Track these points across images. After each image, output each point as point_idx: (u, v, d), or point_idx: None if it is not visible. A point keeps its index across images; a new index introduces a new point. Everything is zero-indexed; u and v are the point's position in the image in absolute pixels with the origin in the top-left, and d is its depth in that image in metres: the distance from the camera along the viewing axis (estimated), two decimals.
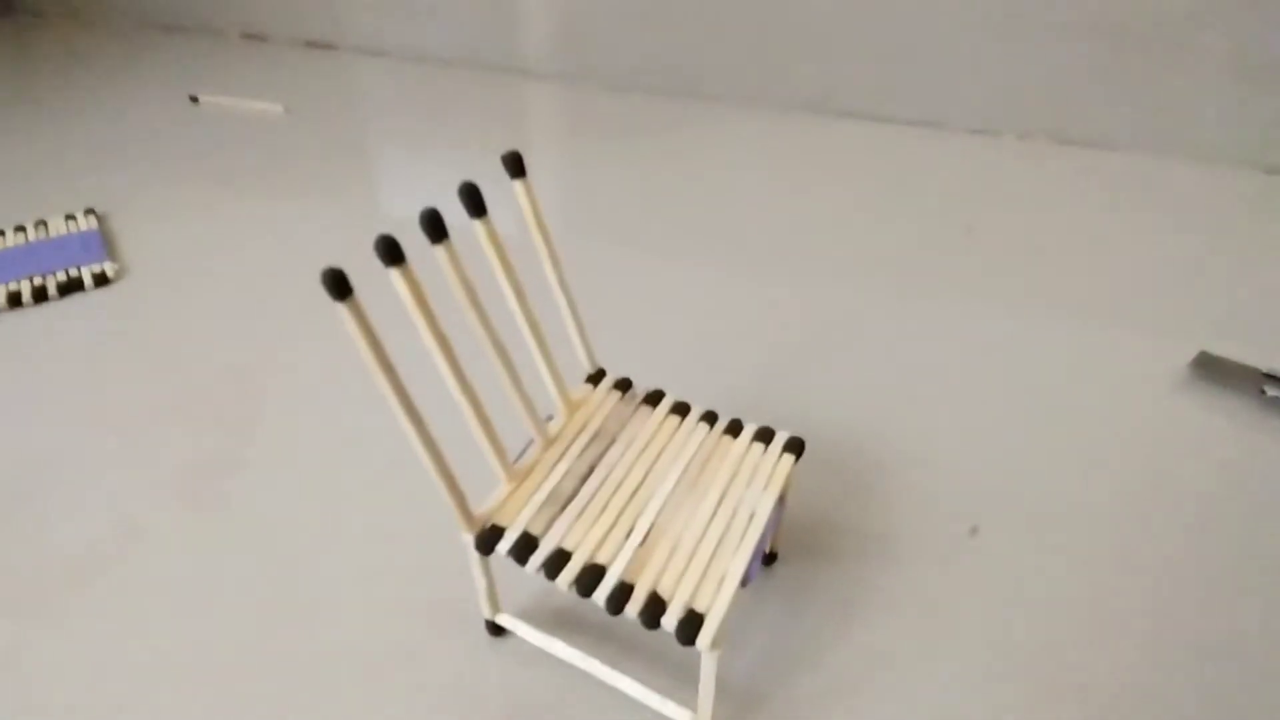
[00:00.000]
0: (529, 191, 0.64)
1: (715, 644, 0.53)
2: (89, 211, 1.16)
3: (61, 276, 1.03)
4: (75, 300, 1.03)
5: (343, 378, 0.94)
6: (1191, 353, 0.99)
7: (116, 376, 0.94)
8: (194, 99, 1.51)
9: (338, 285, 0.47)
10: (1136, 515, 0.80)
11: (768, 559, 0.75)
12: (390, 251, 0.51)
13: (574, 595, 0.72)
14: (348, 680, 0.66)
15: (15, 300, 0.99)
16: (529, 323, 0.64)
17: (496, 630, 0.69)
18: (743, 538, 0.58)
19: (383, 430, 0.87)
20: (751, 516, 0.60)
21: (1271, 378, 0.95)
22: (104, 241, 1.11)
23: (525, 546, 0.57)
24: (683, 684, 0.65)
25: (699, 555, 0.57)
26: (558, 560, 0.57)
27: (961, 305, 1.08)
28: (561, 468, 0.63)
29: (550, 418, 0.68)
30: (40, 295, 1.01)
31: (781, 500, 0.65)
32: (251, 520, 0.79)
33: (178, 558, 0.75)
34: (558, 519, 0.60)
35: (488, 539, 0.58)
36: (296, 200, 1.25)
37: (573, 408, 0.69)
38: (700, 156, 1.42)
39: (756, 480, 0.63)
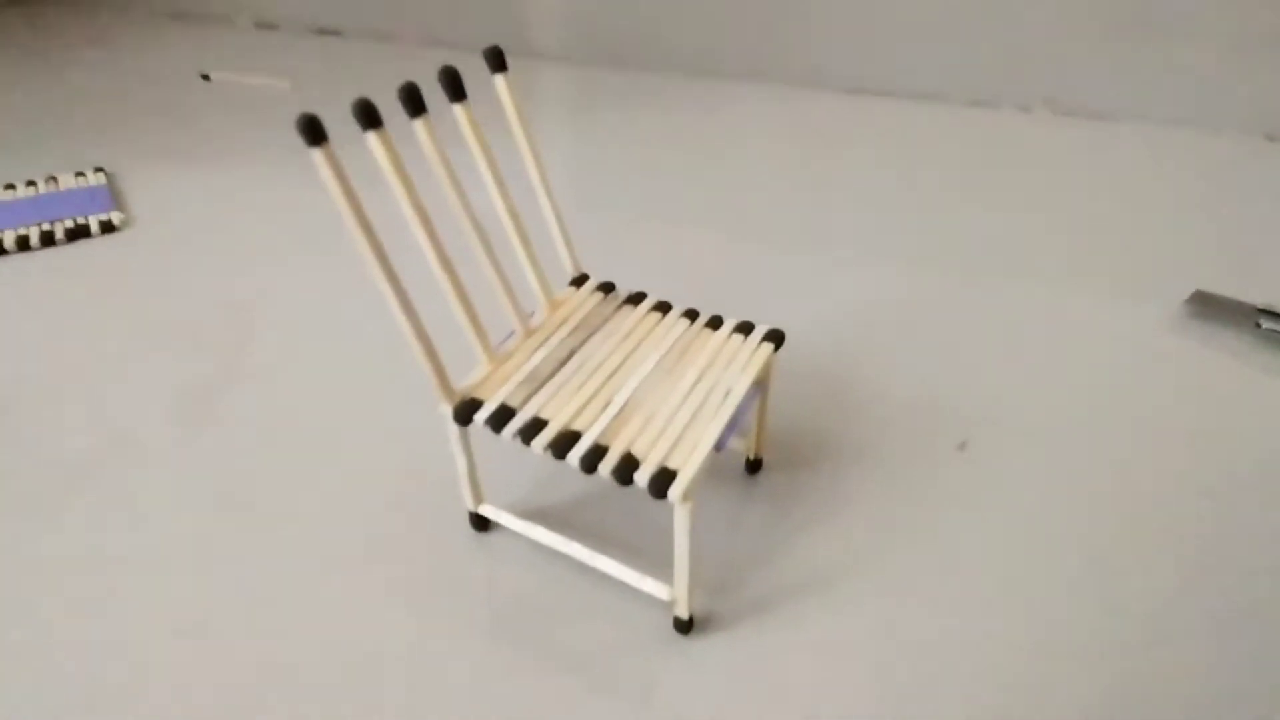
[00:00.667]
0: (509, 91, 0.65)
1: (686, 497, 0.53)
2: (98, 169, 1.21)
3: (69, 224, 1.08)
4: (82, 245, 1.07)
5: (333, 310, 0.96)
6: (1188, 292, 0.99)
7: (116, 312, 0.97)
8: (206, 77, 1.56)
9: (311, 130, 0.49)
10: (1134, 439, 0.81)
11: (752, 466, 0.76)
12: (367, 115, 0.53)
13: (554, 486, 0.73)
14: (334, 574, 0.67)
15: (24, 243, 1.03)
16: (510, 215, 0.65)
17: (480, 524, 0.70)
18: (718, 410, 0.59)
19: (370, 344, 0.91)
20: (728, 393, 0.60)
21: (1266, 312, 0.96)
22: (112, 195, 1.15)
23: (502, 416, 0.58)
24: (659, 567, 0.65)
25: (674, 423, 0.58)
26: (534, 427, 0.57)
27: (963, 258, 1.09)
28: (541, 353, 0.64)
29: (532, 314, 0.70)
30: (48, 239, 1.05)
31: (761, 386, 0.66)
32: (242, 431, 0.80)
33: (169, 465, 0.77)
34: (536, 394, 0.61)
35: (466, 409, 0.59)
36: (297, 165, 1.28)
37: (555, 305, 0.70)
38: (707, 130, 1.45)
39: (735, 365, 0.63)
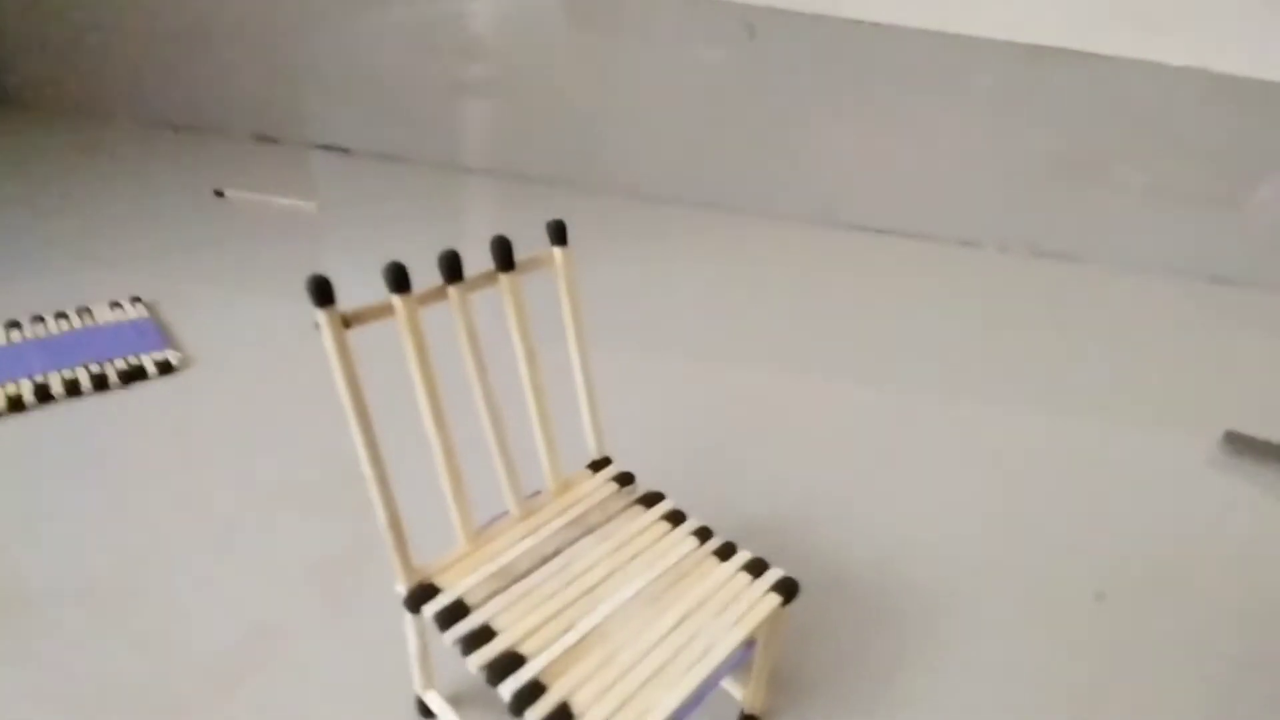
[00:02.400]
0: (568, 260, 0.64)
1: None
2: (135, 300, 1.13)
3: (121, 365, 0.98)
4: (140, 390, 0.98)
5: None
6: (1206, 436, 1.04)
7: (206, 471, 0.88)
8: (219, 193, 1.53)
9: (320, 291, 0.48)
10: (1183, 574, 0.82)
11: None
12: (397, 279, 0.52)
13: None
14: None
15: (73, 388, 0.94)
16: (535, 389, 0.62)
17: (425, 712, 0.63)
18: (687, 672, 0.50)
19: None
20: (707, 651, 0.52)
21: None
22: (160, 330, 1.07)
23: (453, 614, 0.53)
24: None
25: (631, 676, 0.50)
26: (480, 637, 0.51)
27: (972, 404, 1.08)
28: (525, 544, 0.59)
29: (538, 493, 0.65)
30: (100, 383, 0.96)
31: (754, 645, 0.57)
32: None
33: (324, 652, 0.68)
34: (499, 595, 0.55)
35: (418, 596, 0.54)
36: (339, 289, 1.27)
37: (564, 487, 0.65)
38: (711, 259, 1.51)
39: (727, 614, 0.55)
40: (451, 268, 0.55)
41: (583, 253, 1.65)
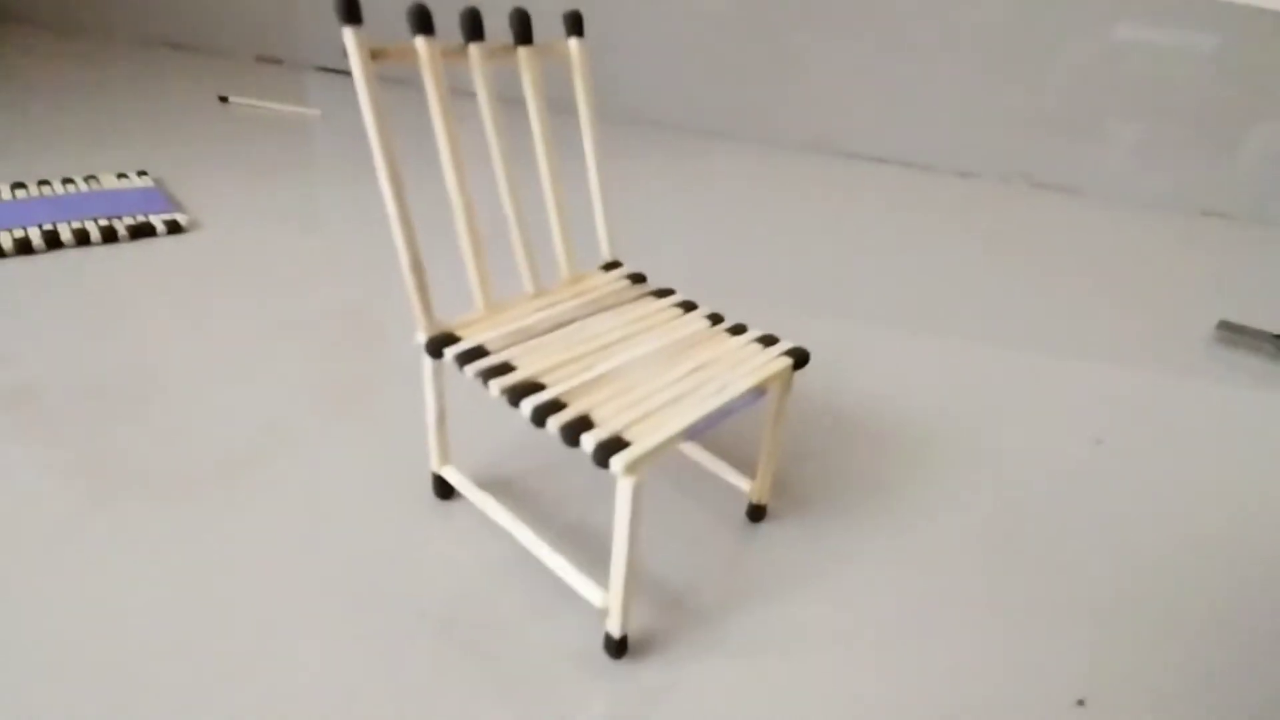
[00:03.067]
0: (583, 50, 0.65)
1: (633, 470, 0.46)
2: (141, 173, 1.15)
3: (130, 221, 1.00)
4: (148, 244, 1.01)
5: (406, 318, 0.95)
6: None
7: (217, 305, 0.90)
8: (223, 99, 1.55)
9: (349, 9, 0.49)
10: (1165, 445, 0.83)
11: (755, 513, 0.67)
12: (421, 21, 0.53)
13: (523, 460, 0.68)
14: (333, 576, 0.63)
15: (83, 238, 0.97)
16: (552, 176, 0.63)
17: (444, 490, 0.64)
18: (703, 401, 0.52)
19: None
20: (722, 388, 0.53)
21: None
22: (167, 197, 1.09)
23: (472, 355, 0.54)
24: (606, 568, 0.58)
25: (648, 401, 0.51)
26: (498, 370, 0.52)
27: (975, 314, 1.02)
28: (542, 314, 0.60)
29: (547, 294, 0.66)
30: (110, 235, 0.98)
31: (765, 395, 0.58)
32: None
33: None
34: (517, 345, 0.56)
35: (439, 342, 0.55)
36: (340, 186, 1.27)
37: (575, 280, 0.66)
38: (715, 185, 1.50)
39: (742, 367, 0.56)
40: (473, 26, 0.56)
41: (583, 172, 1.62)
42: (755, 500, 0.66)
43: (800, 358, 0.59)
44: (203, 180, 1.19)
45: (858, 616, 0.59)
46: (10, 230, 0.94)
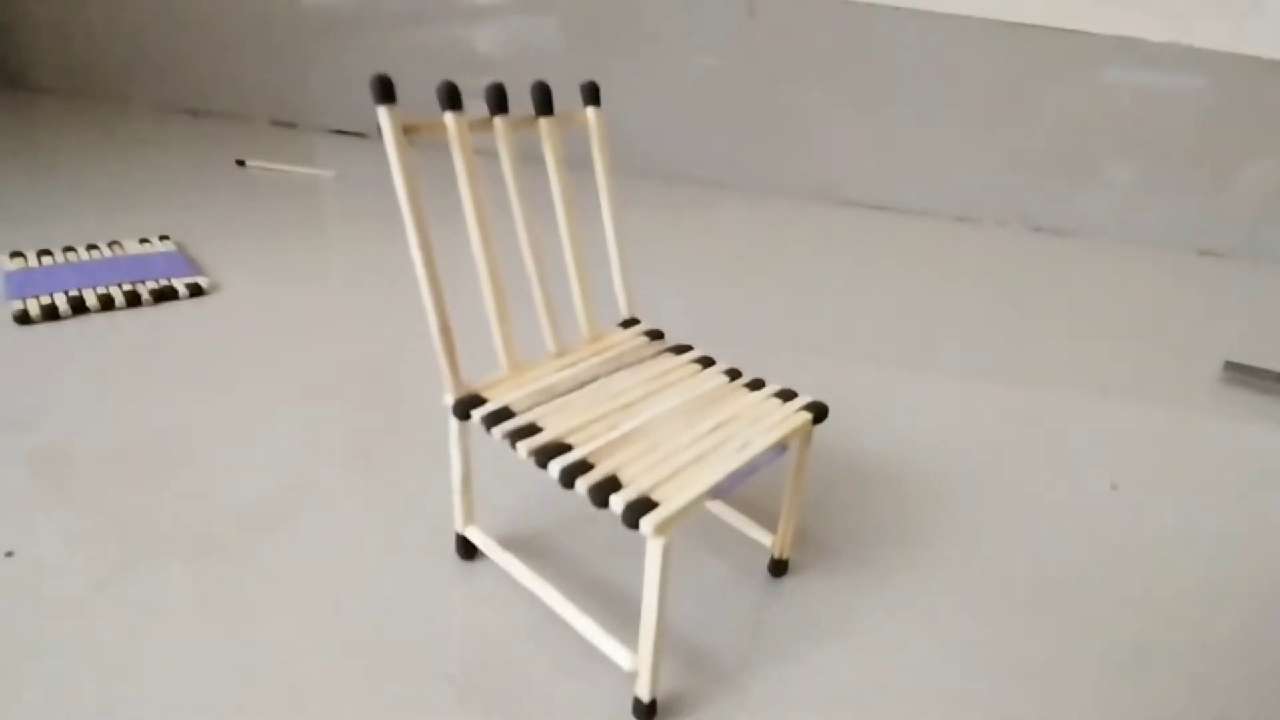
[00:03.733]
0: (599, 119, 0.67)
1: (661, 530, 0.46)
2: (163, 237, 1.18)
3: (153, 285, 1.03)
4: (171, 307, 1.02)
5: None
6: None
7: (239, 366, 0.92)
8: (241, 163, 1.58)
9: (383, 89, 0.51)
10: (1181, 487, 0.84)
11: (777, 568, 0.67)
12: (450, 97, 0.55)
13: (545, 517, 0.68)
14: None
15: (107, 303, 0.99)
16: (572, 237, 0.65)
17: (467, 551, 0.65)
18: (728, 459, 0.52)
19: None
20: (745, 445, 0.54)
21: None
22: (188, 261, 1.12)
23: (500, 416, 0.55)
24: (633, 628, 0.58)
25: (673, 459, 0.52)
26: (525, 432, 0.54)
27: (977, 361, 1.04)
28: (565, 373, 0.61)
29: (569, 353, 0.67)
30: (134, 300, 1.00)
31: (786, 451, 0.59)
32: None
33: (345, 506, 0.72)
34: (542, 405, 0.57)
35: (467, 403, 0.56)
36: (356, 245, 1.30)
37: (595, 338, 0.68)
38: (719, 235, 1.54)
39: (763, 423, 0.57)
40: (499, 100, 0.59)
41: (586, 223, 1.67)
42: (777, 555, 0.66)
43: (819, 412, 0.60)
44: (222, 243, 1.22)
45: (883, 670, 0.58)
46: (38, 297, 0.96)
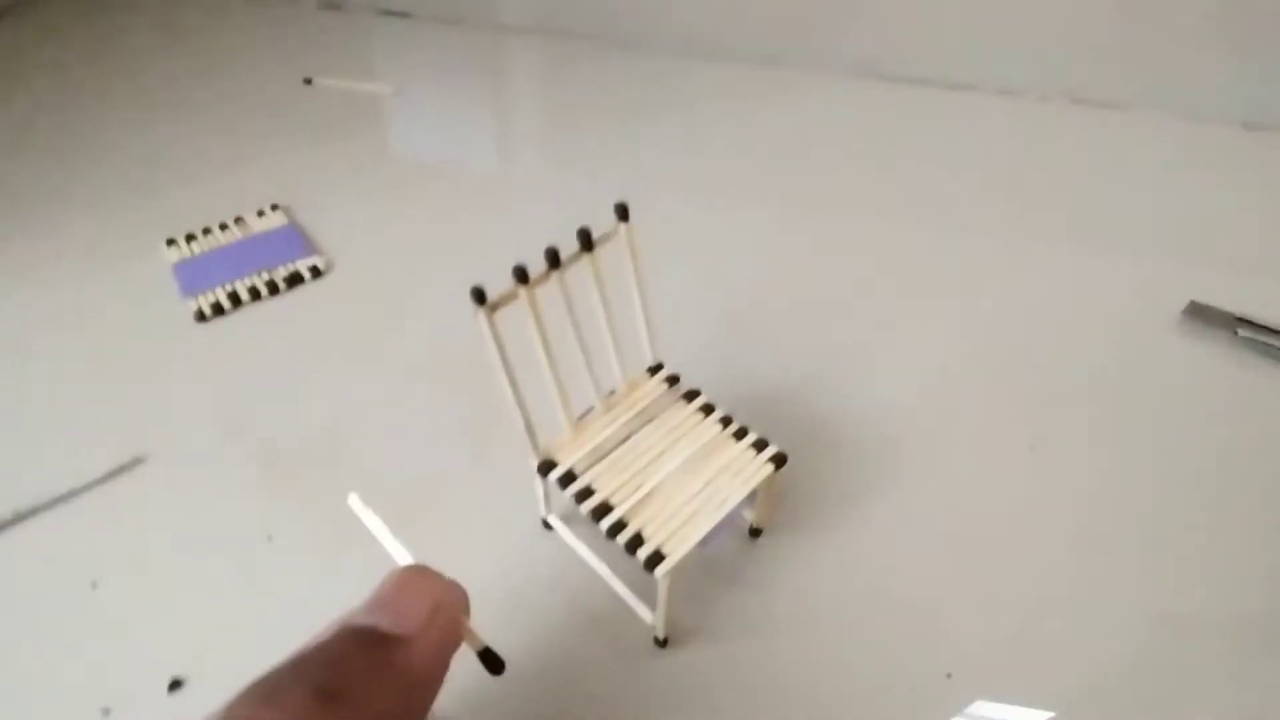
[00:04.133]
0: (631, 233, 0.87)
1: (666, 575, 0.78)
2: (275, 206, 1.32)
3: (283, 271, 1.20)
4: (302, 292, 1.22)
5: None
6: (1185, 298, 1.26)
7: (364, 349, 1.15)
8: (308, 81, 1.67)
9: (479, 297, 0.74)
10: (1136, 427, 1.10)
11: (753, 533, 0.99)
12: (520, 275, 0.78)
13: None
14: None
15: (255, 294, 1.18)
16: (610, 327, 0.89)
17: (546, 526, 0.99)
18: (711, 514, 0.83)
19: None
20: (723, 501, 0.84)
21: (1242, 321, 1.22)
22: (302, 235, 1.28)
23: (567, 478, 0.85)
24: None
25: (676, 517, 0.82)
26: (585, 494, 0.84)
27: (983, 247, 1.33)
28: (608, 431, 0.90)
29: (613, 392, 0.94)
30: (273, 289, 1.19)
31: (754, 495, 0.88)
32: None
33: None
34: (594, 466, 0.87)
35: (544, 468, 0.86)
36: (429, 190, 1.45)
37: (632, 386, 0.95)
38: (746, 120, 1.66)
39: (739, 477, 0.86)
40: (553, 258, 0.80)
41: (631, 112, 1.86)
42: (755, 524, 0.98)
43: (780, 461, 0.88)
44: (320, 205, 1.42)
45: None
46: (204, 294, 1.23)
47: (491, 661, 0.52)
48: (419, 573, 0.48)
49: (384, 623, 0.42)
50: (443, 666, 0.45)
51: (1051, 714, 0.80)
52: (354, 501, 0.71)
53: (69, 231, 1.38)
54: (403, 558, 0.57)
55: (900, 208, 1.47)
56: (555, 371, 0.84)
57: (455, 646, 0.47)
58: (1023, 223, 1.45)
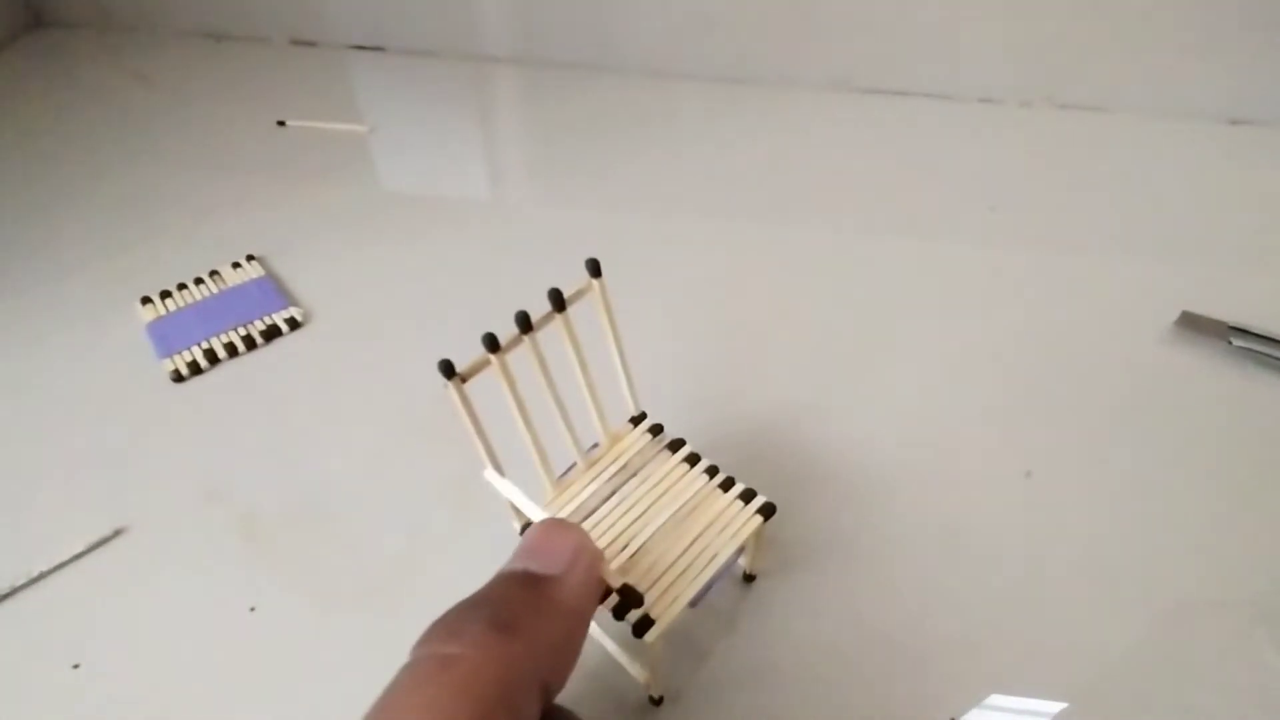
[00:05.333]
0: (604, 291, 0.85)
1: (656, 640, 0.76)
2: (250, 258, 1.29)
3: (260, 325, 1.19)
4: (279, 345, 1.20)
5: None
6: (1176, 309, 1.24)
7: (344, 404, 1.13)
8: (281, 123, 1.64)
9: (448, 370, 0.73)
10: (1134, 443, 1.08)
11: (747, 578, 0.97)
12: (491, 344, 0.76)
13: None
14: None
15: (232, 350, 1.17)
16: (587, 384, 0.87)
17: None
18: (700, 572, 0.81)
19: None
20: (713, 558, 0.82)
21: (1235, 330, 1.19)
22: (277, 288, 1.26)
23: None
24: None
25: (665, 577, 0.80)
26: None
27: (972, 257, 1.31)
28: (591, 488, 0.88)
29: (595, 445, 0.92)
30: (250, 344, 1.17)
31: (743, 549, 0.86)
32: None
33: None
34: (582, 524, 0.85)
35: (527, 529, 0.84)
36: (411, 230, 1.42)
37: (614, 439, 0.93)
38: (723, 140, 1.65)
39: (727, 531, 0.84)
40: (524, 323, 0.78)
41: (612, 138, 1.85)
42: (748, 571, 0.96)
43: (768, 512, 0.86)
44: (296, 254, 1.39)
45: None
46: (180, 354, 1.21)
47: (631, 596, 0.67)
48: (557, 523, 0.57)
49: (534, 566, 0.50)
50: (592, 601, 0.55)
51: None
52: (489, 475, 0.80)
53: (38, 291, 1.35)
54: (539, 516, 0.70)
55: (882, 223, 1.45)
56: (533, 434, 0.82)
57: (600, 585, 0.59)
58: (1008, 235, 1.42)
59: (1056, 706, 0.82)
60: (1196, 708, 0.80)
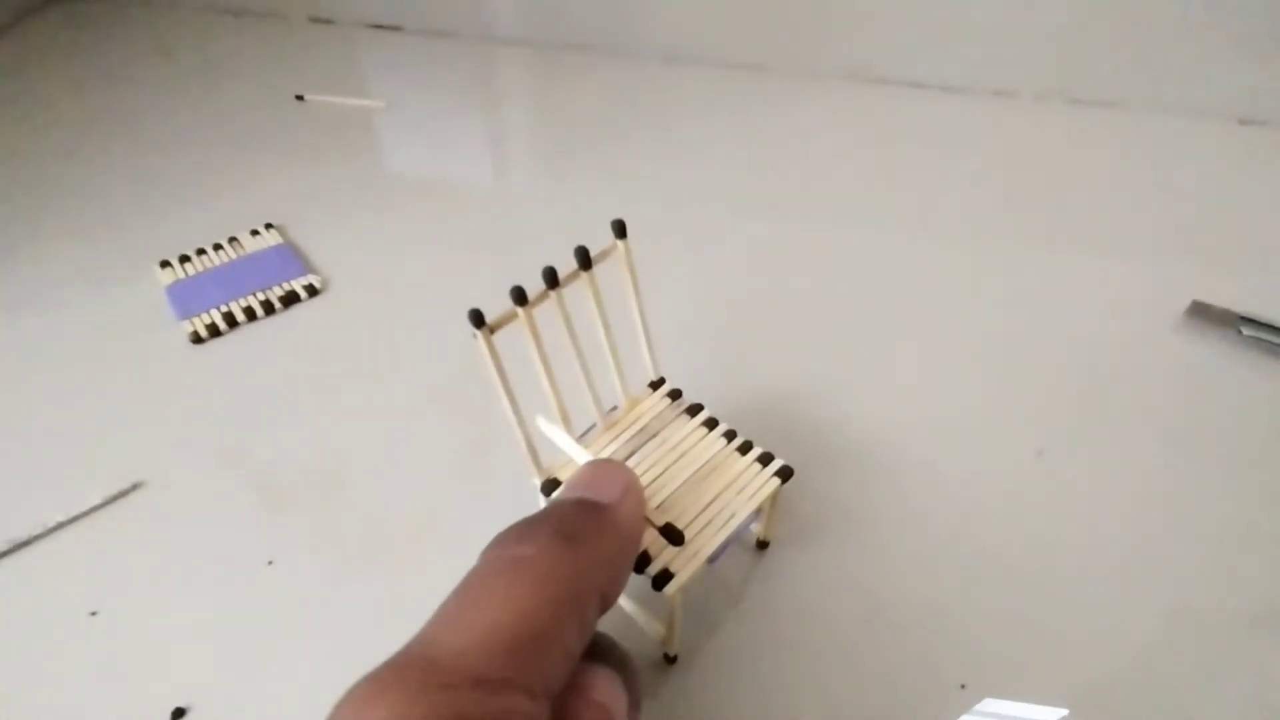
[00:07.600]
0: (628, 252, 0.86)
1: (676, 593, 0.77)
2: (269, 225, 1.30)
3: (279, 291, 1.19)
4: (298, 311, 1.21)
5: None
6: (1186, 298, 1.24)
7: (363, 372, 1.13)
8: (300, 98, 1.65)
9: (478, 319, 0.73)
10: (1143, 430, 1.09)
11: (760, 545, 0.98)
12: (519, 297, 0.77)
13: None
14: None
15: (251, 314, 1.18)
16: (610, 345, 0.88)
17: None
18: (719, 530, 0.81)
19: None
20: (731, 517, 0.83)
21: (1245, 319, 1.20)
22: (296, 254, 1.26)
23: None
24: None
25: (687, 533, 0.81)
26: None
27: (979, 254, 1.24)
28: (611, 449, 0.89)
29: (615, 408, 0.93)
30: (269, 309, 1.18)
31: (760, 511, 0.87)
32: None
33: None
34: None
35: (549, 486, 0.85)
36: (425, 204, 1.43)
37: (633, 403, 0.93)
38: (739, 127, 1.66)
39: (745, 492, 0.85)
40: (551, 278, 0.79)
41: (626, 122, 1.86)
42: (760, 538, 0.97)
43: (786, 474, 0.87)
44: (314, 222, 1.40)
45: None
46: (200, 316, 1.22)
47: (672, 535, 0.71)
48: (607, 460, 0.60)
49: (589, 495, 0.52)
50: (641, 529, 0.58)
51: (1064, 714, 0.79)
52: (541, 422, 0.83)
53: (60, 255, 1.36)
54: (585, 458, 0.74)
55: (897, 213, 1.46)
56: (556, 391, 0.83)
57: (644, 521, 0.63)
58: (1022, 226, 1.44)
59: (1060, 692, 0.81)
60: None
